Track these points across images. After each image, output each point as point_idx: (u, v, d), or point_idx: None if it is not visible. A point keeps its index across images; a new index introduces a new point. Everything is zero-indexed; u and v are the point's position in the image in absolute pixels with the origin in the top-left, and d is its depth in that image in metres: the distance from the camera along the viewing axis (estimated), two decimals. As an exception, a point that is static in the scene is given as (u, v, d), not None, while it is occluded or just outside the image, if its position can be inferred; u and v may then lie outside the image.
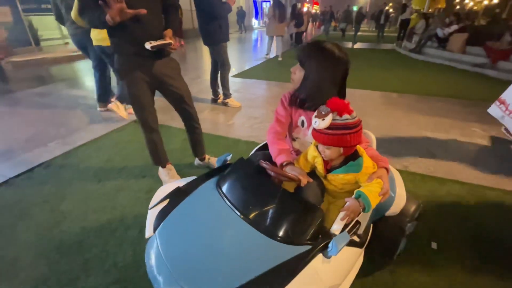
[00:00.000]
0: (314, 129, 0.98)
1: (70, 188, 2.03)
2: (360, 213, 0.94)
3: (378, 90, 4.59)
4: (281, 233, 0.84)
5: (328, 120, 0.91)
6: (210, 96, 4.01)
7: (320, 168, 1.08)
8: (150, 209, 1.02)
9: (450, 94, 4.38)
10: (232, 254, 0.81)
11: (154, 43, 1.49)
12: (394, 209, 1.20)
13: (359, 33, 12.56)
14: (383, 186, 0.97)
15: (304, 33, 11.82)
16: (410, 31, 10.23)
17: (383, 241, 1.30)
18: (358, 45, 11.55)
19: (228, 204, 0.94)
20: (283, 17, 7.17)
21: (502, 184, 2.08)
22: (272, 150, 1.17)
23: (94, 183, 2.09)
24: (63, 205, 1.85)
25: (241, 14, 17.40)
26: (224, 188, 1.01)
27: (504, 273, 1.38)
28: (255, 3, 22.36)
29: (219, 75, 3.75)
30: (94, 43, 2.93)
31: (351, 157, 1.00)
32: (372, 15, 14.01)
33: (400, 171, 1.39)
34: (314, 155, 1.07)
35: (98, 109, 3.60)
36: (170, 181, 1.98)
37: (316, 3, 33.43)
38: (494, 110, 2.49)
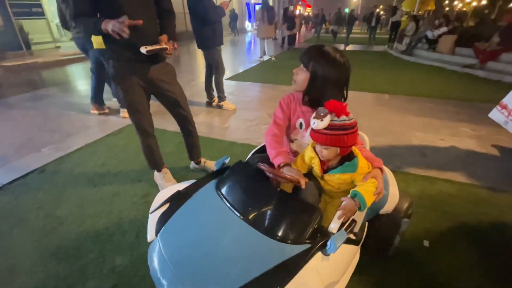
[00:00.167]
0: (312, 129, 1.01)
1: (65, 194, 2.02)
2: (356, 211, 0.97)
3: (370, 92, 4.67)
4: (281, 233, 0.87)
5: (326, 120, 0.95)
6: (204, 99, 4.03)
7: (317, 168, 1.11)
8: (151, 213, 1.03)
9: (440, 95, 4.47)
10: (234, 254, 0.83)
11: (150, 47, 1.49)
12: (388, 207, 1.24)
13: (351, 35, 12.73)
14: (378, 186, 1.00)
15: (297, 35, 11.95)
16: (401, 33, 10.41)
17: (378, 238, 1.34)
18: (350, 47, 11.70)
19: (228, 206, 0.96)
20: (272, 19, 7.30)
21: (492, 182, 2.14)
22: (270, 152, 1.19)
23: (90, 188, 2.09)
24: (59, 210, 1.84)
25: (234, 17, 17.48)
26: (224, 190, 1.03)
27: (495, 269, 1.42)
28: (248, 5, 22.45)
29: (213, 78, 3.77)
30: (94, 46, 2.92)
31: (346, 158, 1.04)
32: (364, 17, 14.19)
33: (392, 171, 1.42)
34: (311, 156, 1.10)
35: (91, 111, 3.59)
36: (166, 184, 1.99)
37: (309, 6, 33.74)
38: (495, 115, 2.48)
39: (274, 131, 1.25)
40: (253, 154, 1.47)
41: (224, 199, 0.99)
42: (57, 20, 12.20)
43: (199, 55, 8.22)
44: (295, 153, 1.31)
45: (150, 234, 0.96)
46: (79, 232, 1.65)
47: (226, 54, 9.37)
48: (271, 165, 1.11)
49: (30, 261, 1.46)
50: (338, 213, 0.93)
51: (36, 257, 1.49)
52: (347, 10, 17.48)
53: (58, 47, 9.95)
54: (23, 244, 1.58)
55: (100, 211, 1.83)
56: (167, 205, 1.03)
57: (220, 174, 1.15)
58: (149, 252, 0.92)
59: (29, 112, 3.78)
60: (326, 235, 0.89)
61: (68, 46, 10.41)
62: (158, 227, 0.96)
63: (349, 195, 0.98)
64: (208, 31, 3.24)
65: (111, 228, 1.68)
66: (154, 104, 1.91)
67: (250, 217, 0.91)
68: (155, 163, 2.01)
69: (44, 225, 1.72)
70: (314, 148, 1.10)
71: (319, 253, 0.84)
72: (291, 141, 1.33)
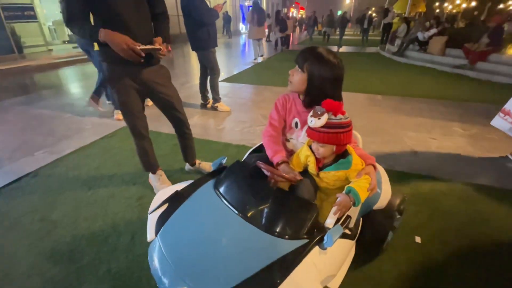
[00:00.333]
0: (310, 127, 1.04)
1: (60, 197, 2.00)
2: (350, 207, 1.00)
3: (363, 93, 4.73)
4: (279, 229, 0.89)
5: (324, 119, 0.98)
6: (199, 101, 4.03)
7: (312, 166, 1.14)
8: (150, 213, 1.04)
9: (431, 95, 4.55)
10: (234, 250, 0.85)
11: (143, 47, 1.50)
12: (381, 203, 1.27)
13: (344, 37, 12.86)
14: (371, 182, 1.04)
15: (291, 37, 12.07)
16: (393, 35, 10.57)
17: (372, 233, 1.37)
18: (343, 49, 11.82)
19: (227, 205, 0.98)
20: (262, 20, 7.38)
21: (482, 180, 2.18)
22: (268, 152, 1.24)
23: (85, 191, 2.08)
24: (53, 214, 1.83)
25: (227, 19, 17.56)
26: (222, 189, 1.05)
27: (486, 265, 1.45)
28: (242, 8, 22.54)
29: (208, 80, 3.78)
30: (95, 47, 2.94)
31: (341, 156, 1.08)
32: (357, 19, 14.36)
33: (385, 170, 1.45)
34: (307, 154, 1.14)
35: (88, 99, 3.39)
36: (161, 187, 1.99)
37: (302, 8, 34.01)
38: (498, 122, 2.40)
39: (271, 132, 1.30)
40: (249, 154, 1.49)
41: (222, 198, 1.01)
42: (49, 23, 12.16)
43: (193, 58, 8.23)
44: (291, 152, 1.33)
45: (150, 234, 0.97)
46: (74, 235, 1.64)
47: (220, 56, 9.39)
48: (268, 164, 1.14)
49: (26, 265, 1.45)
50: (334, 208, 0.96)
51: (31, 260, 1.47)
52: (340, 13, 17.65)
53: (51, 50, 9.87)
54: (18, 248, 1.56)
55: (95, 213, 1.83)
56: (166, 206, 1.04)
57: (217, 174, 1.17)
58: (149, 252, 0.93)
59: (22, 115, 3.74)
60: (323, 230, 0.91)
61: (61, 49, 10.35)
62: (158, 227, 0.97)
63: (343, 191, 1.01)
64: (202, 33, 3.26)
65: (107, 231, 1.68)
66: (148, 107, 1.92)
67: (249, 214, 0.93)
68: (150, 165, 2.01)
69: (39, 228, 1.70)
70: (310, 146, 1.13)
71: (316, 248, 0.87)
72: (287, 140, 1.36)
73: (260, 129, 3.20)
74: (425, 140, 2.89)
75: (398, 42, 9.54)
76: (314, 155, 1.12)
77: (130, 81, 1.65)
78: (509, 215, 1.81)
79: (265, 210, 0.94)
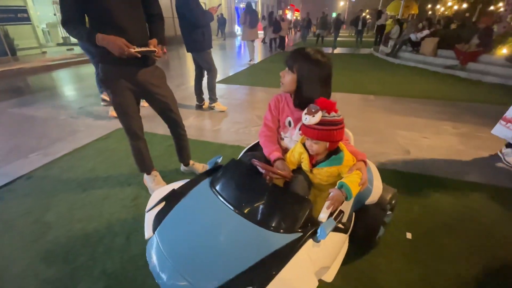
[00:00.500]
0: (304, 124, 1.08)
1: (54, 199, 2.00)
2: (343, 201, 1.02)
3: (356, 93, 4.78)
4: (274, 223, 0.91)
5: (318, 116, 1.02)
6: (194, 102, 4.04)
7: (306, 163, 1.17)
8: (147, 211, 1.05)
9: (424, 95, 4.62)
10: (231, 245, 0.87)
11: (138, 49, 1.50)
12: (372, 198, 1.31)
13: (338, 38, 12.97)
14: (362, 177, 1.07)
15: (286, 38, 12.15)
16: (386, 36, 10.70)
17: (365, 227, 1.40)
18: (337, 50, 11.91)
19: (223, 201, 1.00)
20: (254, 22, 7.44)
21: (472, 177, 2.23)
22: (265, 151, 1.30)
23: (79, 192, 2.07)
24: (47, 216, 1.82)
25: (222, 22, 17.60)
26: (218, 187, 1.07)
27: (476, 260, 1.48)
28: (237, 9, 22.60)
29: (205, 81, 3.79)
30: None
31: (333, 152, 1.12)
32: (351, 21, 14.49)
33: (378, 168, 1.48)
34: (300, 151, 1.18)
35: (102, 96, 3.87)
36: (156, 187, 1.99)
37: (297, 10, 34.22)
38: (500, 130, 2.30)
39: (266, 132, 1.36)
40: (245, 152, 1.51)
41: (218, 195, 1.03)
42: (43, 25, 12.05)
43: (189, 59, 8.22)
44: (285, 150, 1.36)
45: (148, 232, 0.99)
46: (69, 236, 1.64)
47: (216, 58, 9.38)
48: (264, 162, 1.17)
49: (20, 267, 1.44)
50: (327, 203, 0.99)
51: (26, 262, 1.47)
52: (334, 15, 17.80)
53: (44, 52, 9.79)
54: (12, 250, 1.56)
55: (90, 215, 1.82)
56: (162, 204, 1.06)
57: (213, 173, 1.19)
58: (147, 249, 0.95)
59: (16, 118, 3.71)
60: (316, 224, 0.94)
61: (54, 51, 10.27)
62: (155, 224, 0.99)
63: (336, 187, 1.03)
64: (197, 35, 3.27)
65: (101, 231, 1.68)
66: (143, 109, 1.93)
67: (245, 210, 0.95)
68: (145, 166, 2.01)
69: (33, 230, 1.70)
70: (303, 144, 1.17)
71: (310, 241, 0.89)
72: (281, 138, 1.39)
73: (255, 129, 3.22)
74: (417, 139, 2.93)
75: (391, 43, 9.66)
76: (308, 152, 1.15)
77: (126, 82, 1.65)
78: (499, 211, 1.85)
79: (261, 206, 0.97)
